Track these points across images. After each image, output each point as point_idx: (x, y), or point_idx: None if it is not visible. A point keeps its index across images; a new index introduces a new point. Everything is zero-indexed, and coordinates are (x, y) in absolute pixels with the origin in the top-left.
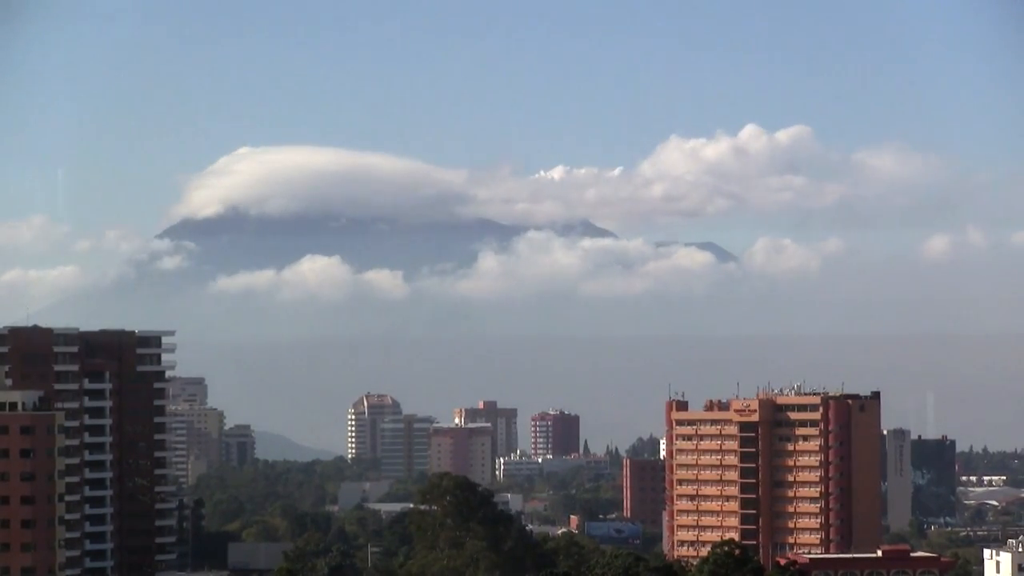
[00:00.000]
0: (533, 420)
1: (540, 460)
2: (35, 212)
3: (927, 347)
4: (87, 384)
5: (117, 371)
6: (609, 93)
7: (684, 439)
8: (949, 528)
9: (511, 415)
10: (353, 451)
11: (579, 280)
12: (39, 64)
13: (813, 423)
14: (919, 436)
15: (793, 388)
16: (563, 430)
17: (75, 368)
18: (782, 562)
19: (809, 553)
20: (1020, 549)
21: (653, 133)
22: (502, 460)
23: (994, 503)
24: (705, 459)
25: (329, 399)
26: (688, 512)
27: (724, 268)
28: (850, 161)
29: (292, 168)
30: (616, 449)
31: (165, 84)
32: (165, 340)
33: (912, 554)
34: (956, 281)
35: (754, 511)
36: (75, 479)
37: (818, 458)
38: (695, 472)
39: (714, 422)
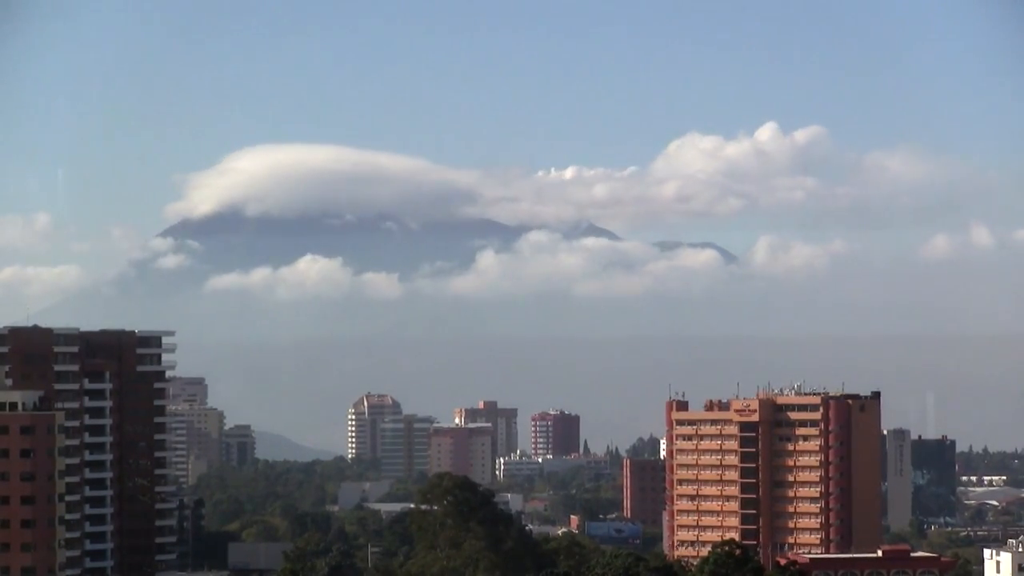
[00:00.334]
0: (533, 420)
1: (540, 460)
2: (35, 211)
3: (927, 347)
4: (87, 384)
5: (117, 371)
6: (622, 92)
7: (684, 439)
8: (949, 528)
9: (511, 415)
10: (353, 451)
11: (580, 280)
12: (39, 64)
13: (813, 423)
14: (919, 436)
15: (793, 388)
16: (563, 430)
17: (75, 368)
18: (782, 562)
19: (809, 553)
20: (1020, 549)
21: (665, 132)
22: (502, 460)
23: (994, 503)
24: (705, 459)
25: (329, 399)
26: (688, 512)
27: (724, 268)
28: (862, 162)
29: (294, 166)
30: (616, 449)
31: (166, 82)
32: (165, 340)
33: (912, 554)
34: (956, 281)
35: (754, 511)
36: (75, 479)
37: (818, 458)
38: (695, 472)
39: (714, 422)
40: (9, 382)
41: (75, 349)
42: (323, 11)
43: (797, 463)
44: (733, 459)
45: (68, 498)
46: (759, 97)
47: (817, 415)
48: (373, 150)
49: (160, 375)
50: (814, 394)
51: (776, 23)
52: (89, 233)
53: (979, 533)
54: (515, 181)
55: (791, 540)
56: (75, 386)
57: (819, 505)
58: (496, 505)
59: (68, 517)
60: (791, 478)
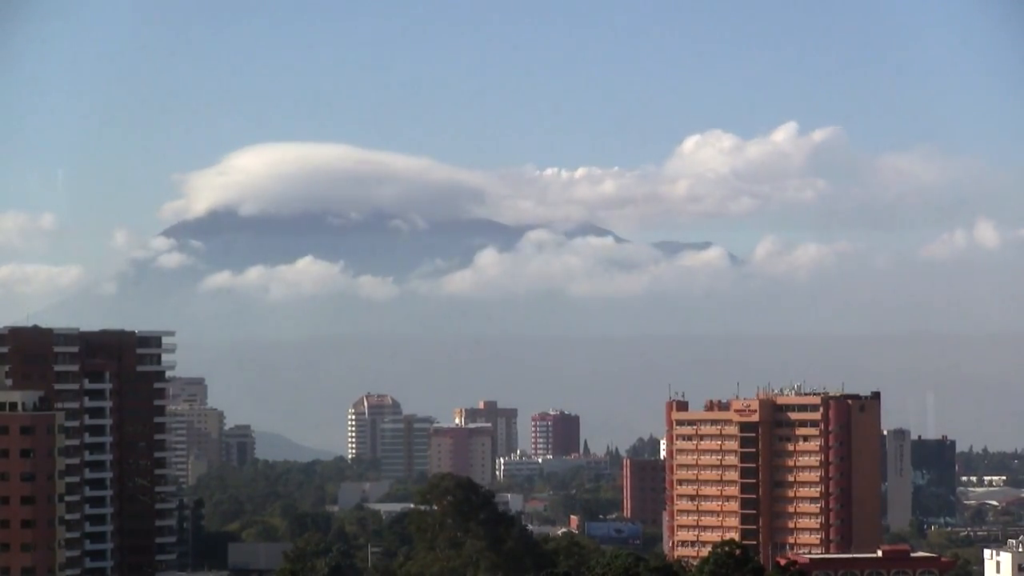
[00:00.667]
0: (533, 420)
1: (540, 460)
2: (35, 211)
3: (927, 347)
4: (87, 384)
5: (117, 371)
6: (636, 91)
7: (684, 439)
8: (949, 528)
9: (511, 415)
10: (353, 451)
11: (580, 280)
12: (39, 63)
13: (813, 423)
14: (919, 436)
15: (793, 388)
16: (563, 430)
17: (75, 368)
18: (782, 562)
19: (809, 553)
20: (1020, 549)
21: (679, 132)
22: (502, 460)
23: (994, 503)
24: (705, 459)
25: (329, 399)
26: (688, 512)
27: (725, 268)
28: (875, 163)
29: (295, 165)
30: (616, 449)
31: (167, 81)
32: (165, 340)
33: (912, 554)
34: (956, 282)
35: (754, 511)
36: (75, 479)
37: (818, 458)
38: (695, 472)
39: (714, 422)
40: (9, 382)
41: (75, 349)
42: (327, 8)
43: (797, 463)
44: (733, 459)
45: (68, 498)
46: (778, 97)
47: (817, 415)
48: (380, 149)
49: (160, 375)
50: (814, 394)
51: (796, 23)
52: (89, 232)
53: (979, 533)
54: (521, 181)
55: (791, 540)
56: (75, 386)
57: (819, 505)
58: (496, 505)
59: (68, 517)
60: (791, 478)
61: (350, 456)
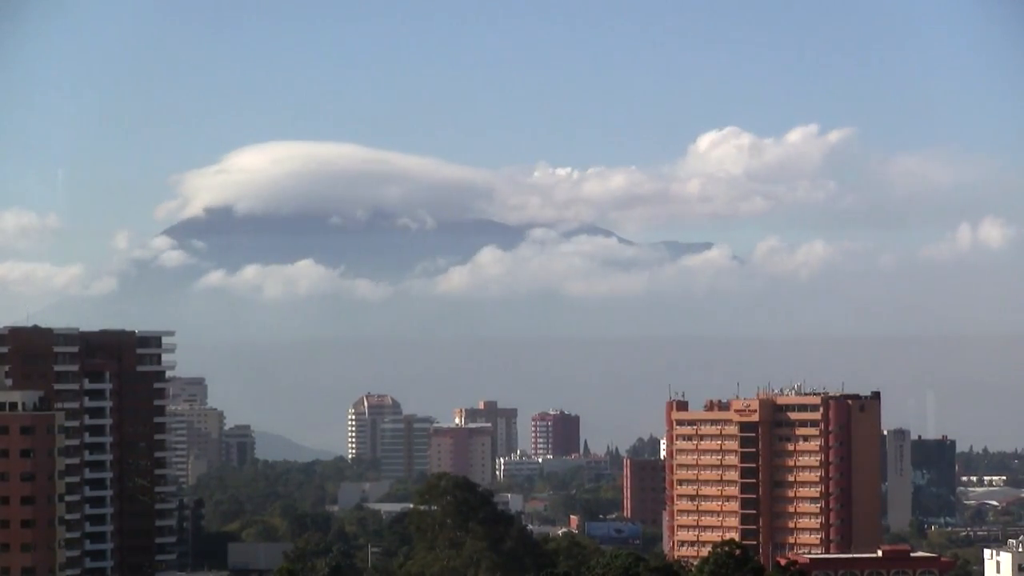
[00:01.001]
0: (533, 420)
1: (540, 460)
2: (35, 210)
3: (927, 347)
4: (87, 384)
5: (117, 371)
6: (650, 91)
7: (684, 439)
8: (949, 528)
9: (511, 415)
10: (353, 451)
11: (581, 280)
12: (39, 62)
13: (813, 423)
14: (919, 436)
15: (793, 388)
16: (563, 430)
17: (75, 368)
18: (782, 562)
19: (809, 553)
20: (1020, 549)
21: (690, 132)
22: (502, 460)
23: (994, 503)
24: (705, 459)
25: (329, 399)
26: (688, 512)
27: (726, 268)
28: (886, 164)
29: (297, 164)
30: (616, 449)
31: (167, 80)
32: (165, 340)
33: (912, 554)
34: (956, 282)
35: (754, 511)
36: (75, 479)
37: (818, 458)
38: (695, 472)
39: (714, 422)
40: (9, 382)
41: (75, 349)
42: (330, 5)
43: (797, 463)
44: (733, 459)
45: (68, 498)
46: (792, 98)
47: (817, 415)
48: (388, 148)
49: (160, 375)
50: (814, 394)
51: (811, 25)
52: (90, 232)
53: (979, 533)
54: (528, 180)
55: (791, 540)
56: (75, 386)
57: (819, 505)
58: (496, 505)
59: (68, 517)
60: (791, 478)
61: (350, 456)
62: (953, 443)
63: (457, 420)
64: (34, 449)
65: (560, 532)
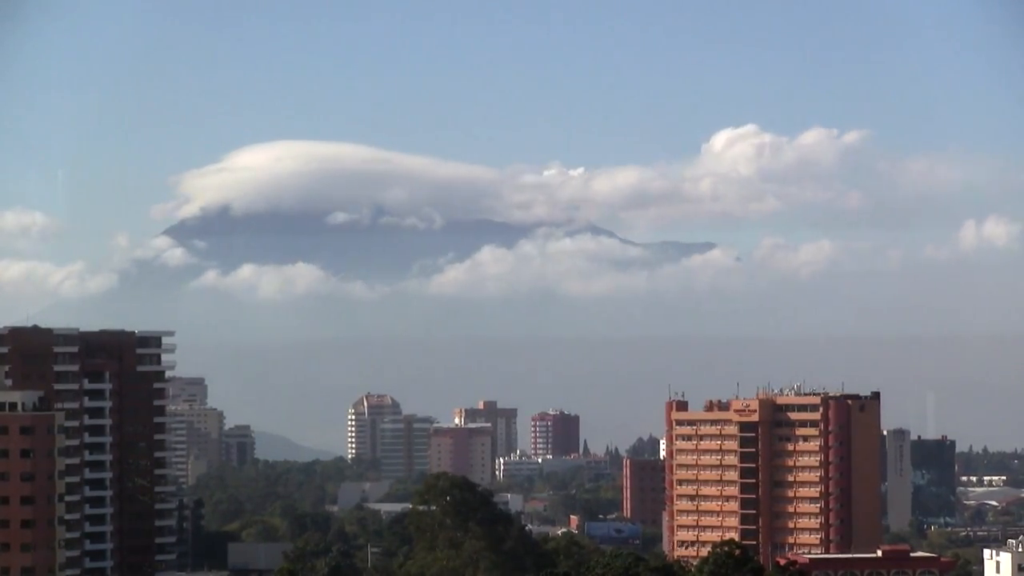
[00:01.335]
0: (533, 420)
1: (540, 460)
2: (35, 210)
3: (927, 347)
4: (87, 384)
5: (117, 371)
6: (657, 91)
7: (684, 439)
8: (949, 528)
9: (511, 415)
10: (353, 451)
11: (581, 280)
12: (39, 62)
13: (813, 423)
14: (919, 436)
15: (793, 388)
16: (563, 430)
17: (75, 368)
18: (782, 562)
19: (809, 553)
20: (1020, 549)
21: (699, 133)
22: (502, 460)
23: (994, 503)
24: (705, 459)
25: (329, 399)
26: (688, 512)
27: (726, 268)
28: (897, 166)
29: (297, 164)
30: (616, 449)
31: (168, 79)
32: (165, 340)
33: (912, 554)
34: (956, 282)
35: (754, 511)
36: (75, 479)
37: (818, 458)
38: (695, 472)
39: (714, 422)
40: (9, 382)
41: (75, 349)
42: (332, 4)
43: (797, 463)
44: (733, 459)
45: (68, 498)
46: (806, 99)
47: (817, 415)
48: (388, 147)
49: (160, 375)
50: (814, 394)
51: (825, 26)
52: (90, 232)
53: (979, 533)
54: (529, 180)
55: (791, 540)
56: (75, 386)
57: (819, 505)
58: (495, 505)
59: (68, 517)
60: (791, 478)
61: (350, 456)
62: (953, 443)
63: (457, 420)
64: (34, 449)
65: (560, 532)
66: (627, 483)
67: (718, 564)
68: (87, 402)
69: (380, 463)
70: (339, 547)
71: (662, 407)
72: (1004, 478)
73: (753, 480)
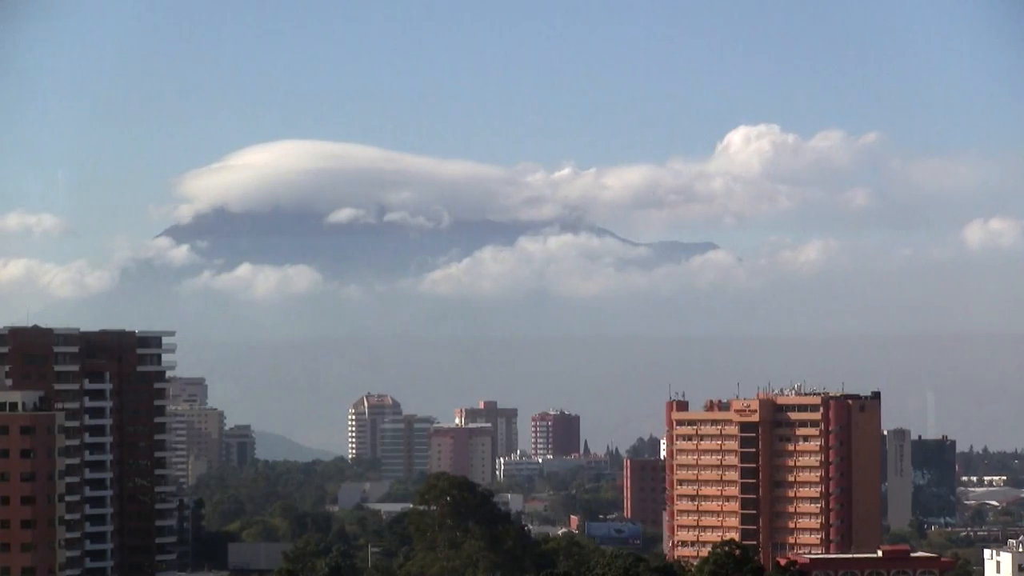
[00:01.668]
0: (533, 420)
1: (540, 460)
2: (36, 211)
3: (927, 347)
4: (87, 384)
5: (117, 371)
6: (669, 91)
7: (684, 439)
8: (949, 528)
9: (511, 415)
10: (353, 451)
11: (581, 280)
12: (39, 62)
13: (813, 423)
14: (919, 436)
15: (793, 388)
16: (563, 430)
17: (75, 368)
18: (782, 562)
19: (809, 553)
20: (1020, 549)
21: (710, 135)
22: (502, 460)
23: (994, 503)
24: (705, 459)
25: (329, 399)
26: (688, 512)
27: (726, 268)
28: (901, 166)
29: (296, 164)
30: (616, 449)
31: (167, 80)
32: (165, 340)
33: (912, 554)
34: (957, 282)
35: (754, 511)
36: (75, 479)
37: (818, 458)
38: (695, 472)
39: (714, 422)
40: (9, 382)
41: (75, 349)
42: (333, 3)
43: (797, 463)
44: (733, 459)
45: (68, 498)
46: (823, 100)
47: (817, 415)
48: (390, 147)
49: (160, 375)
50: (814, 394)
51: (844, 28)
52: (90, 232)
53: (979, 533)
54: (532, 179)
55: (791, 540)
56: (75, 386)
57: (819, 505)
58: (495, 505)
59: (68, 517)
60: (791, 478)
61: (350, 456)
62: (953, 443)
63: (457, 420)
64: (34, 449)
65: (560, 532)
66: (627, 483)
67: (718, 564)
68: (87, 402)
69: (380, 463)
70: (339, 547)
71: (662, 407)
72: (1004, 478)
73: (753, 480)
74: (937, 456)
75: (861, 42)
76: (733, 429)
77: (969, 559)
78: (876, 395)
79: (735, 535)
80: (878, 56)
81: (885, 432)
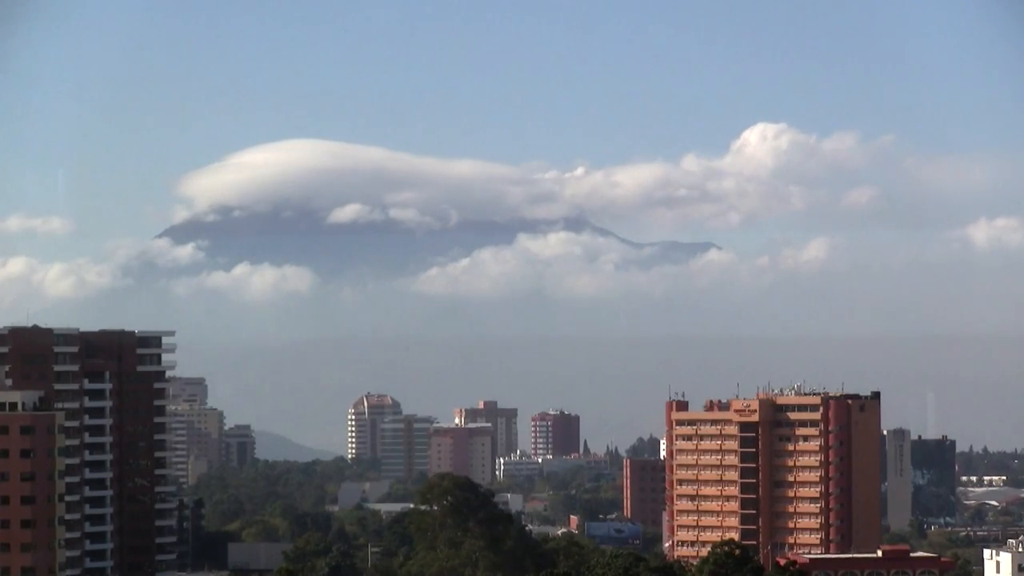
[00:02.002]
0: (533, 420)
1: (540, 460)
2: (36, 211)
3: (927, 347)
4: (87, 384)
5: (117, 371)
6: (671, 91)
7: (684, 439)
8: (949, 528)
9: (511, 415)
10: (353, 451)
11: (581, 280)
12: (39, 63)
13: (813, 423)
14: (919, 436)
15: (793, 388)
16: (563, 430)
17: (75, 368)
18: (782, 562)
19: (809, 553)
20: (1020, 549)
21: (713, 136)
22: (502, 460)
23: (994, 503)
24: (705, 459)
25: (329, 399)
26: (688, 512)
27: (726, 268)
28: (907, 166)
29: (296, 164)
30: (616, 449)
31: (168, 80)
32: (165, 340)
33: (912, 554)
34: (957, 282)
35: (754, 511)
36: (75, 479)
37: (818, 458)
38: (695, 472)
39: (714, 422)
40: (9, 382)
41: (75, 349)
42: (336, 4)
43: (797, 463)
44: (733, 459)
45: (68, 498)
46: (833, 101)
47: (817, 415)
48: (391, 147)
49: (160, 375)
50: (814, 394)
51: (857, 31)
52: (90, 232)
53: (979, 533)
54: (546, 180)
55: (791, 540)
56: (75, 386)
57: (819, 505)
58: (495, 505)
59: (68, 517)
60: (791, 478)
61: (350, 456)
62: (953, 443)
63: (457, 420)
64: (34, 449)
65: (560, 532)
66: (627, 483)
67: (718, 564)
68: (87, 402)
69: (380, 463)
70: (339, 547)
71: (662, 407)
72: (1004, 478)
73: (753, 480)
74: (937, 456)
75: (875, 43)
76: (733, 429)
77: (969, 559)
78: (876, 395)
79: (735, 535)
80: (892, 58)
81: (885, 432)
